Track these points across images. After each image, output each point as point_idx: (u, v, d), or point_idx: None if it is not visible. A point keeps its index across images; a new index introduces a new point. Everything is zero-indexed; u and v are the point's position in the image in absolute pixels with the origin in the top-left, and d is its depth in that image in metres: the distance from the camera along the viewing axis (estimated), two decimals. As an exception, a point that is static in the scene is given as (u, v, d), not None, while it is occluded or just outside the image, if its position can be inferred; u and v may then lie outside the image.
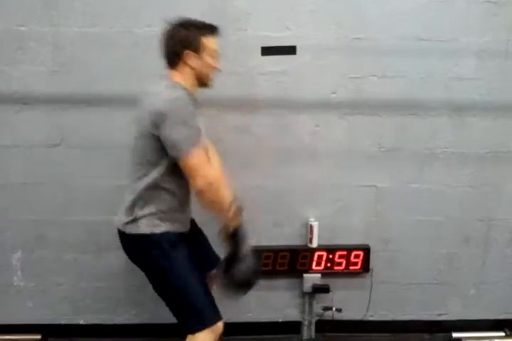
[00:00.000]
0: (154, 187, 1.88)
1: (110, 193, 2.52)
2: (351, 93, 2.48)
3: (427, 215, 2.66)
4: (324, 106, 2.48)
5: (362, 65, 2.46)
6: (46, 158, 2.52)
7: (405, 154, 2.56)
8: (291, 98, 2.47)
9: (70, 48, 2.38)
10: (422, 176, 2.60)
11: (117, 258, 2.61)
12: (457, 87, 2.48)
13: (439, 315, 2.82)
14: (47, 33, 2.36)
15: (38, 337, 2.65)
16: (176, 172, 1.85)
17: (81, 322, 2.71)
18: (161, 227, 1.90)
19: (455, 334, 2.79)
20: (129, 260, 2.64)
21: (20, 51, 2.37)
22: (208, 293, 1.99)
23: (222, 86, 2.42)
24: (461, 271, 2.75)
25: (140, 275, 2.63)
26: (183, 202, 1.98)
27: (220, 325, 1.99)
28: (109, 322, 2.71)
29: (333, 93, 2.48)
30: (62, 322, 2.70)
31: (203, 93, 2.39)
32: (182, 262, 1.92)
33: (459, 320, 2.81)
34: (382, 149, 2.56)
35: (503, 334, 2.80)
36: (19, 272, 2.64)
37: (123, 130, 2.26)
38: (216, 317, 1.98)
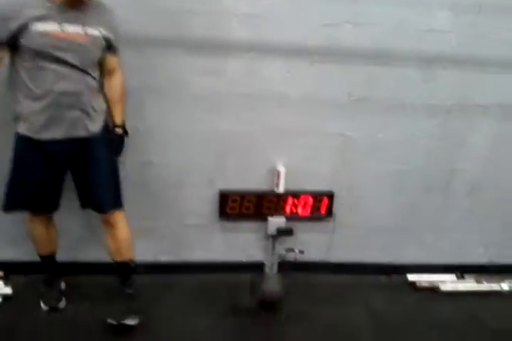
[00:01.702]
0: (12, 88, 2.07)
1: None
2: (324, 40, 2.44)
3: (392, 164, 2.72)
4: (296, 52, 2.44)
5: (336, 12, 2.40)
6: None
7: (374, 104, 2.57)
8: (263, 42, 2.41)
9: None
10: (389, 126, 2.63)
11: None
12: (429, 38, 2.45)
13: (396, 258, 2.95)
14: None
15: (0, 273, 2.67)
16: (21, 65, 2.00)
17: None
18: (17, 128, 2.11)
19: (410, 277, 2.95)
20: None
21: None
22: (20, 190, 2.20)
23: (193, 25, 2.37)
24: (421, 219, 2.87)
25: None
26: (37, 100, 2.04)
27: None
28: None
29: (306, 39, 2.43)
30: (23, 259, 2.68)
31: (171, 32, 2.33)
32: (17, 158, 2.14)
33: (415, 264, 2.97)
34: (352, 98, 2.56)
35: (454, 277, 2.99)
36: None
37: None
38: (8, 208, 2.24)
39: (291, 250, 2.82)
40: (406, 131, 2.64)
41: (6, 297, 2.52)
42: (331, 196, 2.73)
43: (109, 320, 2.27)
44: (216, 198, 2.70)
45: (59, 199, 2.33)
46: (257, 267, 2.87)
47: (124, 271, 2.46)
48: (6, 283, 2.60)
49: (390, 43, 2.46)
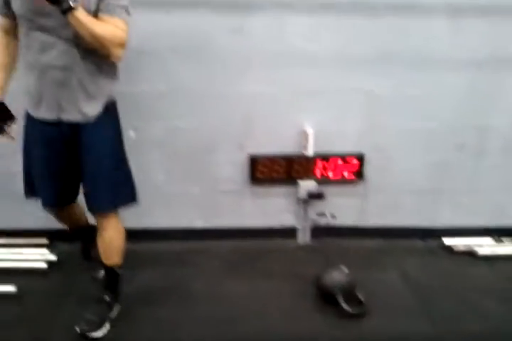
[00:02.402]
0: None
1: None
2: (349, -6, 2.44)
3: (422, 121, 2.67)
4: (322, 6, 2.43)
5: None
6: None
7: (401, 58, 2.54)
8: (287, -1, 2.43)
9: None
10: (417, 81, 2.59)
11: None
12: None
13: (431, 221, 2.90)
14: None
15: (45, 241, 2.76)
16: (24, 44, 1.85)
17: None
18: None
19: (446, 241, 2.88)
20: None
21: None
22: (29, 173, 2.06)
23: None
24: (454, 179, 2.81)
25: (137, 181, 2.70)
26: (31, 76, 1.87)
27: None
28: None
29: (330, -6, 2.43)
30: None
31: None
32: (25, 137, 2.01)
33: (450, 227, 2.90)
34: (378, 53, 2.53)
35: (491, 240, 2.90)
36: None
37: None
38: (27, 195, 2.13)
39: (323, 214, 2.83)
40: (434, 86, 2.60)
41: (51, 263, 2.60)
42: (360, 158, 2.72)
43: (77, 328, 2.07)
44: (246, 163, 2.72)
45: (74, 192, 2.10)
46: (289, 232, 2.88)
47: (108, 275, 2.20)
48: (51, 250, 2.69)
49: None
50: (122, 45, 1.80)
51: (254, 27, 2.47)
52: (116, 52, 1.80)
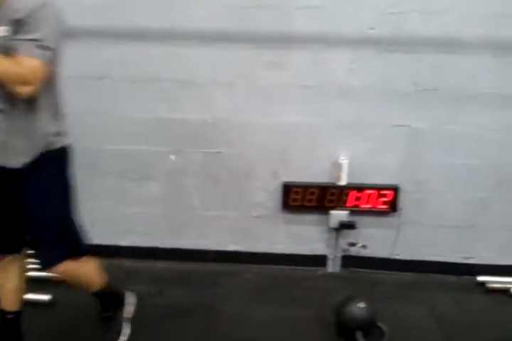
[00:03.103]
0: None
1: (150, 124, 2.67)
2: (390, 29, 2.43)
3: (462, 158, 2.63)
4: (361, 42, 2.45)
5: (402, 0, 2.39)
6: (92, 89, 2.63)
7: (442, 94, 2.51)
8: (327, 33, 2.44)
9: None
10: (458, 118, 2.55)
11: (157, 186, 2.78)
12: (503, 23, 2.36)
13: (467, 258, 2.83)
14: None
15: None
16: None
17: (122, 243, 2.90)
18: None
19: (480, 278, 2.79)
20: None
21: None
22: None
23: (258, 20, 2.46)
24: (494, 216, 2.73)
25: (175, 202, 2.83)
26: None
27: None
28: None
29: (371, 29, 2.43)
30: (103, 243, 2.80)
31: (238, 26, 2.42)
32: None
33: (486, 265, 2.82)
34: (419, 88, 2.51)
35: (530, 280, 2.80)
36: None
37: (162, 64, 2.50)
38: None
39: (354, 244, 2.81)
40: (476, 123, 2.54)
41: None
42: (396, 190, 2.68)
43: None
44: (280, 190, 2.74)
45: (13, 241, 1.92)
46: (319, 260, 2.88)
47: (98, 296, 2.17)
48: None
49: (460, 31, 2.40)
50: (24, 82, 1.59)
51: (294, 61, 2.52)
52: (19, 89, 1.60)
